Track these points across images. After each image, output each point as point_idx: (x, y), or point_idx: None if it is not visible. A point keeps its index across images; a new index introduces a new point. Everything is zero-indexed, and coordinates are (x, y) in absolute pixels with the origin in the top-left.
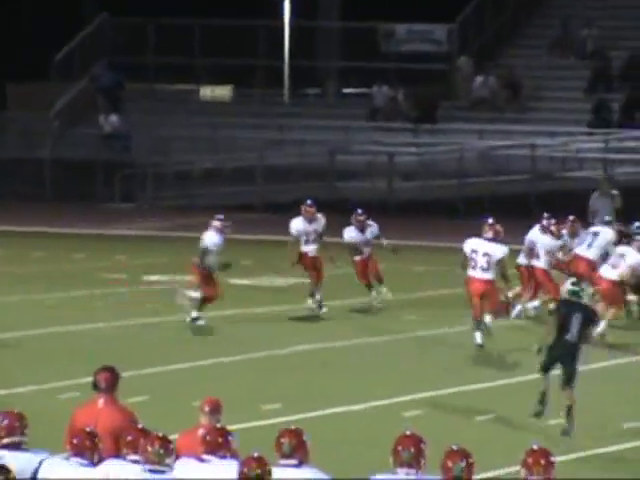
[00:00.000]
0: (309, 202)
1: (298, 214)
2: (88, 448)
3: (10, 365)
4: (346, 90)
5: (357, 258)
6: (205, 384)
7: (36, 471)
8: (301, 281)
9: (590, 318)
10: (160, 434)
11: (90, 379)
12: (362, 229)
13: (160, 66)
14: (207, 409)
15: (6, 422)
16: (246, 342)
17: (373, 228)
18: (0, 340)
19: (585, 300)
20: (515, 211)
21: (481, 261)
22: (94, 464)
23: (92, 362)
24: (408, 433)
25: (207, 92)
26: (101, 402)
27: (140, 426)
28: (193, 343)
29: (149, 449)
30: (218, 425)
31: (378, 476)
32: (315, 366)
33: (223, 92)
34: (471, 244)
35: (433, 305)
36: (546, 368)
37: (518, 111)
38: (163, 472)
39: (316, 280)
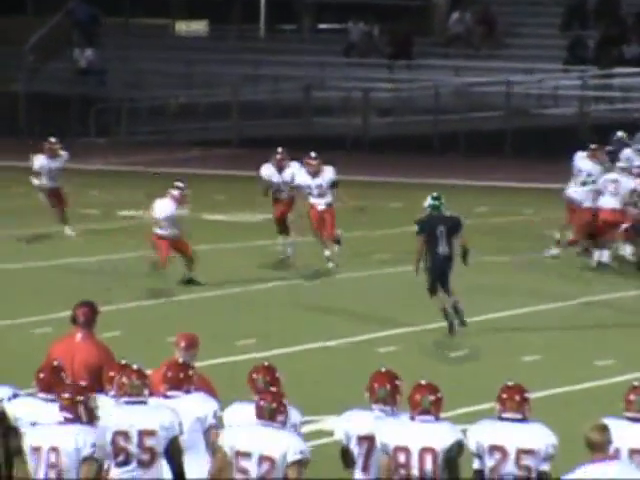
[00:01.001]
0: (312, 155)
1: (272, 148)
2: (54, 383)
3: None
4: (322, 26)
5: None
6: (179, 320)
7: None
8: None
9: (455, 226)
10: (136, 367)
11: (64, 314)
12: (280, 169)
13: (136, 0)
14: (182, 345)
15: None
16: (221, 278)
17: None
18: None
19: (445, 211)
20: (489, 148)
21: None
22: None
23: (66, 297)
24: (383, 370)
25: (182, 27)
26: (79, 336)
27: (123, 362)
28: (167, 278)
29: (126, 381)
30: (180, 360)
31: (354, 411)
32: (289, 303)
33: (198, 27)
34: None
35: (407, 242)
36: (433, 289)
37: (493, 47)
38: (142, 403)
39: (327, 236)
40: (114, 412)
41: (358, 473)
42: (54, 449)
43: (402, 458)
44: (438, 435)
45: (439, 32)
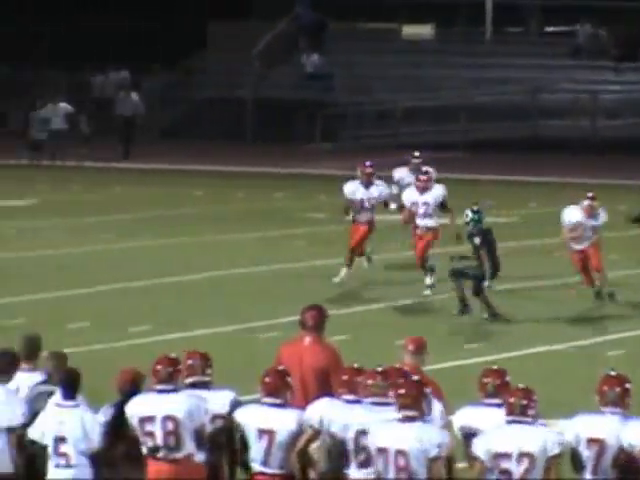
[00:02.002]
0: (425, 169)
1: (501, 151)
2: (280, 388)
3: (212, 306)
4: (548, 28)
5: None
6: (405, 324)
7: (232, 409)
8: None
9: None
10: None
11: (291, 319)
12: (368, 184)
13: (361, 5)
14: (411, 348)
15: (190, 362)
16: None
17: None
18: (198, 281)
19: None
20: None
21: None
22: (285, 404)
23: (293, 302)
24: (613, 373)
25: (409, 31)
26: (307, 340)
27: (356, 365)
28: (374, 286)
29: (370, 382)
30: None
31: (585, 414)
32: (515, 306)
33: (425, 31)
34: None
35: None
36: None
37: None
38: (388, 405)
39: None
40: (359, 412)
41: (588, 476)
42: (400, 452)
43: None
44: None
45: None
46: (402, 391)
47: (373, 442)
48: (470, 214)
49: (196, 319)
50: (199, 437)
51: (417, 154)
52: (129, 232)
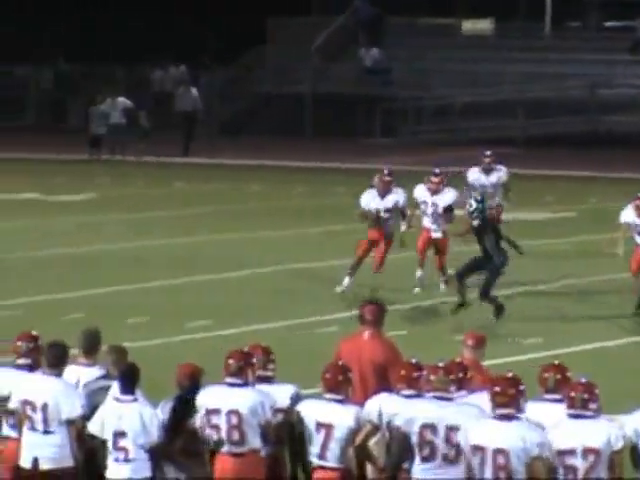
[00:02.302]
0: (436, 170)
1: (560, 146)
2: (340, 383)
3: (271, 301)
4: (608, 23)
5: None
6: (463, 319)
7: (294, 403)
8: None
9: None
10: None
11: (349, 314)
12: (384, 193)
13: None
14: (470, 343)
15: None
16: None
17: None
18: (257, 276)
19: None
20: None
21: None
22: (346, 400)
23: (351, 297)
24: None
25: (468, 25)
26: (366, 335)
27: (414, 360)
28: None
29: (433, 377)
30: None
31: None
32: (584, 301)
33: (484, 25)
34: None
35: None
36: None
37: None
38: (449, 399)
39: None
40: (422, 406)
41: None
42: (500, 451)
43: None
44: None
45: None
46: (498, 389)
47: (468, 439)
48: (474, 204)
49: (254, 314)
50: (264, 432)
51: (488, 153)
52: (188, 227)
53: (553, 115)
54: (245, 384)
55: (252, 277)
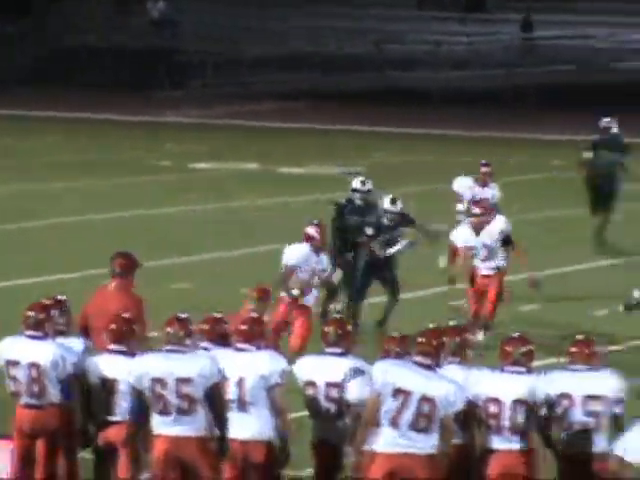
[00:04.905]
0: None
1: (347, 101)
2: (125, 333)
3: (48, 253)
4: None
5: None
6: (251, 271)
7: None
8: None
9: None
10: (182, 315)
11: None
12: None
13: None
14: (255, 296)
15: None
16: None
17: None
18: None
19: None
20: (561, 102)
21: None
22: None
23: (143, 247)
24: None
25: None
26: (112, 285)
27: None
28: (235, 232)
29: (170, 331)
30: (262, 314)
31: None
32: None
33: None
34: None
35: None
36: None
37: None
38: (183, 352)
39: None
40: (153, 360)
41: None
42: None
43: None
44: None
45: None
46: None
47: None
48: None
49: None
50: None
51: (484, 162)
52: None
53: (340, 70)
54: (45, 337)
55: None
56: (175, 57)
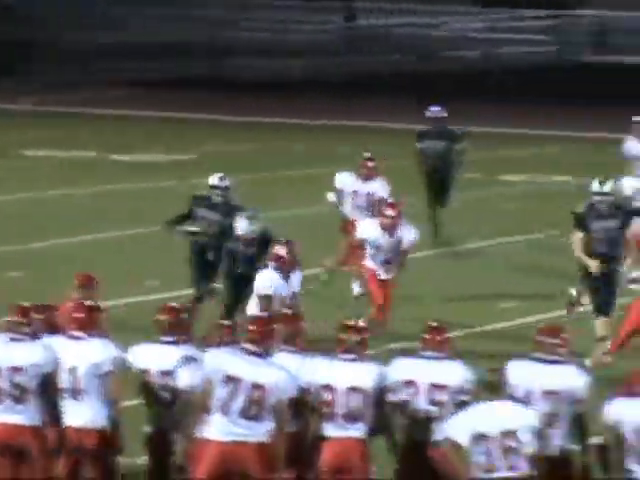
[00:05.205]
0: None
1: (178, 89)
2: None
3: None
4: None
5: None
6: (90, 260)
7: None
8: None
9: None
10: (26, 304)
11: None
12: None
13: None
14: (78, 284)
15: None
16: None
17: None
18: None
19: None
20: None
21: None
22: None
23: None
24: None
25: None
26: None
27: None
28: (75, 219)
29: (11, 319)
30: (88, 301)
31: None
32: None
33: None
34: None
35: None
36: None
37: None
38: (23, 340)
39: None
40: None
41: None
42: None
43: (327, 396)
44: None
45: None
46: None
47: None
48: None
49: None
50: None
51: (369, 156)
52: None
53: (174, 57)
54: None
55: None
56: (24, 44)
